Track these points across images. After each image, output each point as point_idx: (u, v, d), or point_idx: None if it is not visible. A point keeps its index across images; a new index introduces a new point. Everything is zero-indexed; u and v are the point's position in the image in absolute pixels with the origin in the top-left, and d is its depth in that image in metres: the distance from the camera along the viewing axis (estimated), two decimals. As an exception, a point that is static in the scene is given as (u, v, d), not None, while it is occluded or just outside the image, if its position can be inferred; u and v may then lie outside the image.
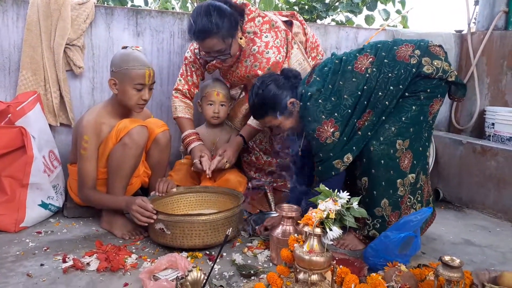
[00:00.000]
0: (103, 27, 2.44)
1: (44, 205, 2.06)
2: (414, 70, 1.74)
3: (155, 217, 1.77)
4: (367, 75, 1.77)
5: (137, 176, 2.08)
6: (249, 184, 2.30)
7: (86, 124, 1.92)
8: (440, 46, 1.83)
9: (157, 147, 2.10)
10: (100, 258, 1.65)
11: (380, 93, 1.76)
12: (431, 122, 1.84)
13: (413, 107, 1.76)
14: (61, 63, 2.30)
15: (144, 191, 2.24)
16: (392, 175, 1.78)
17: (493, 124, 2.85)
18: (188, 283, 1.27)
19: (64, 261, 1.66)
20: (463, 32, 3.30)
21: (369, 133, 1.79)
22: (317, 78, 1.83)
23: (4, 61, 2.29)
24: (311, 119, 1.78)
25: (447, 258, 1.36)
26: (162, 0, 3.68)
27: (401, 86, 1.75)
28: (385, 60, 1.77)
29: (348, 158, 1.79)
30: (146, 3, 4.11)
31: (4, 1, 2.24)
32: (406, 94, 1.76)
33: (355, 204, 1.44)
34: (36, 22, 2.26)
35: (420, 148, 1.82)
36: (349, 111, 1.77)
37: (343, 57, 1.84)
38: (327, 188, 1.48)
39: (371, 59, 1.79)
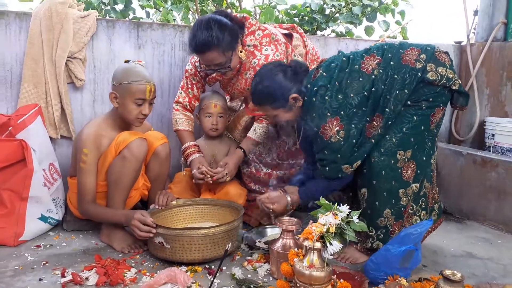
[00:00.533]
0: (105, 40, 2.46)
1: (43, 219, 2.05)
2: (419, 74, 1.72)
3: (154, 231, 1.76)
4: (373, 76, 1.75)
5: (136, 189, 2.07)
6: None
7: (86, 137, 1.93)
8: (446, 53, 1.81)
9: (157, 159, 2.10)
10: (99, 273, 1.65)
11: (388, 97, 1.74)
12: (434, 131, 1.82)
13: (414, 117, 1.75)
14: (62, 76, 2.31)
15: (144, 204, 2.23)
16: (394, 185, 1.77)
17: (493, 135, 2.84)
18: (187, 299, 1.26)
19: (63, 276, 1.65)
20: (462, 44, 3.32)
21: (372, 140, 1.77)
22: (324, 74, 1.80)
23: (6, 74, 2.30)
24: (315, 116, 1.75)
25: (448, 272, 1.36)
26: (164, 13, 3.70)
27: (406, 91, 1.72)
28: (391, 62, 1.75)
29: (358, 164, 1.77)
30: (148, 16, 4.15)
31: (7, 14, 2.27)
32: (409, 102, 1.75)
33: (355, 218, 1.44)
34: (38, 35, 2.28)
35: (424, 158, 1.81)
36: (355, 110, 1.74)
37: (350, 56, 1.83)
38: (327, 202, 1.48)
39: (377, 60, 1.77)
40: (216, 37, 1.97)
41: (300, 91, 1.81)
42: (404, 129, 1.75)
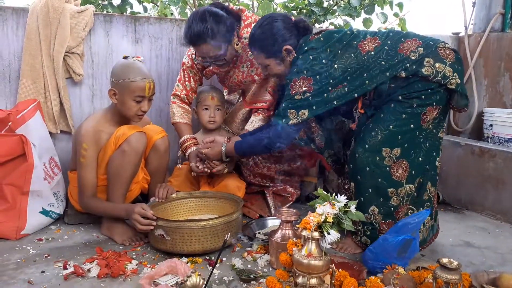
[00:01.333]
0: (102, 35, 2.46)
1: (45, 212, 2.07)
2: (408, 65, 1.70)
3: (154, 223, 1.78)
4: (365, 57, 1.76)
5: (136, 182, 2.09)
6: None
7: (85, 132, 1.94)
8: (453, 50, 1.77)
9: (156, 153, 2.11)
10: (100, 265, 1.66)
11: (365, 74, 1.75)
12: (434, 131, 1.78)
13: (403, 115, 1.73)
14: (60, 71, 2.32)
15: (144, 197, 2.25)
16: (381, 183, 1.75)
17: (491, 125, 2.86)
18: (187, 288, 1.28)
19: (65, 268, 1.67)
20: (460, 35, 3.32)
21: (335, 102, 1.77)
22: (321, 39, 1.83)
23: (4, 70, 2.31)
24: (295, 70, 1.79)
25: (445, 260, 1.37)
26: (161, 7, 3.70)
27: (387, 74, 1.72)
28: (386, 47, 1.75)
29: (304, 114, 1.77)
30: (145, 10, 4.13)
31: (3, 10, 2.27)
32: (399, 97, 1.73)
33: (352, 208, 1.45)
34: (35, 30, 2.29)
35: (420, 159, 1.77)
36: (331, 81, 1.76)
37: (355, 32, 1.84)
38: (324, 192, 1.49)
39: (377, 44, 1.77)
40: (211, 29, 1.98)
41: (295, 46, 1.84)
42: (391, 126, 1.73)
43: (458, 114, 3.27)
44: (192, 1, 3.92)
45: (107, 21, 2.47)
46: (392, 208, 1.77)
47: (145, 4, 4.11)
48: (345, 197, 1.46)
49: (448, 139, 2.80)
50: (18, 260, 1.75)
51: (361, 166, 1.76)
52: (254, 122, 2.26)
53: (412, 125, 1.74)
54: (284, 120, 1.79)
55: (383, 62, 1.74)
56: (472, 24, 3.31)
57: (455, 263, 1.36)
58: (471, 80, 3.13)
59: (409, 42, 1.76)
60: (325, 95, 1.76)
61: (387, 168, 1.75)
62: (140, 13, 4.11)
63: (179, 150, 2.29)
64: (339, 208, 1.41)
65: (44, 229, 2.08)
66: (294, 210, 1.80)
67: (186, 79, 2.31)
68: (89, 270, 1.66)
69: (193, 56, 2.23)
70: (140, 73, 1.92)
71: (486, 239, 2.14)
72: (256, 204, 2.38)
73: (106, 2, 3.76)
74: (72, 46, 2.33)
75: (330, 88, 1.76)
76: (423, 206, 1.83)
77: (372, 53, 1.75)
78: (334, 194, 1.48)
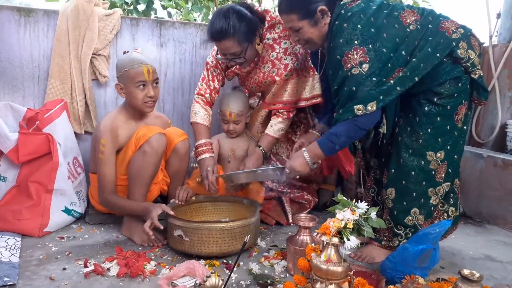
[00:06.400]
0: (128, 38, 2.52)
1: (67, 211, 2.11)
2: (453, 44, 1.68)
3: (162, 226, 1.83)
4: (408, 30, 1.70)
5: (156, 183, 2.12)
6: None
7: (103, 128, 1.98)
8: (479, 41, 1.77)
9: (177, 156, 2.14)
10: (120, 264, 1.69)
11: (418, 54, 1.68)
12: (465, 128, 1.80)
13: (438, 118, 1.73)
14: (87, 72, 2.38)
15: (164, 199, 2.28)
16: (424, 186, 1.77)
17: (515, 138, 2.80)
18: (206, 289, 1.29)
19: (86, 266, 1.70)
20: (484, 45, 3.27)
21: (398, 88, 1.65)
22: (362, 4, 1.70)
23: (33, 70, 2.38)
24: (343, 41, 1.64)
25: (466, 271, 1.35)
26: (185, 13, 3.76)
27: (438, 55, 1.67)
28: (430, 25, 1.71)
29: (372, 107, 1.62)
30: (169, 16, 4.21)
31: (35, 12, 2.34)
32: (435, 99, 1.71)
33: (373, 214, 1.44)
34: (65, 32, 2.35)
35: (455, 156, 1.80)
36: (384, 50, 1.64)
37: (392, 2, 1.78)
38: (345, 198, 1.49)
39: (416, 17, 1.72)
40: (232, 26, 1.99)
41: (329, 7, 1.73)
42: (429, 130, 1.74)
43: (480, 125, 3.22)
44: (215, 8, 3.97)
45: (134, 25, 2.52)
46: (432, 208, 1.80)
47: (169, 10, 4.19)
48: (366, 203, 1.45)
49: (470, 151, 2.76)
50: (41, 257, 1.79)
51: (405, 170, 1.76)
52: (274, 125, 2.26)
53: (448, 127, 1.75)
54: (351, 116, 1.65)
55: (430, 38, 1.68)
56: (496, 35, 3.26)
57: (477, 275, 1.34)
58: (495, 91, 3.08)
59: (448, 22, 1.73)
60: (386, 78, 1.64)
61: (433, 172, 1.76)
62: (164, 18, 4.19)
63: (193, 150, 2.29)
64: (359, 214, 1.40)
65: (66, 228, 2.13)
66: (312, 216, 1.79)
67: (210, 78, 2.30)
68: (108, 269, 1.68)
69: (218, 56, 2.25)
70: (136, 60, 1.97)
71: (508, 253, 2.09)
72: (273, 210, 2.38)
73: (132, 7, 3.84)
74: (99, 48, 2.39)
75: (387, 60, 1.64)
76: (449, 198, 1.84)
77: (416, 26, 1.69)
78: (354, 200, 1.47)
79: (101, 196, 2.01)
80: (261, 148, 2.24)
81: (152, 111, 2.08)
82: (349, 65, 1.63)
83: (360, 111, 1.62)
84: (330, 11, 1.74)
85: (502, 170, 2.50)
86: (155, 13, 4.15)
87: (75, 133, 2.38)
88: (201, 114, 2.23)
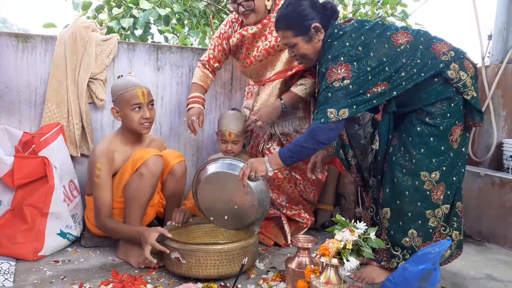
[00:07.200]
0: (125, 62, 2.55)
1: (62, 234, 2.09)
2: (441, 65, 1.71)
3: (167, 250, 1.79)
4: (399, 49, 1.74)
5: (152, 205, 2.10)
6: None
7: (99, 152, 1.98)
8: (474, 65, 1.80)
9: (173, 178, 2.13)
10: (116, 288, 1.66)
11: (403, 73, 1.72)
12: (463, 150, 1.80)
13: (431, 138, 1.74)
14: (84, 96, 2.39)
15: (160, 221, 2.25)
16: (420, 206, 1.75)
17: (511, 156, 2.81)
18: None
19: (81, 290, 1.67)
20: (477, 66, 3.32)
21: (374, 101, 1.71)
22: (355, 24, 1.79)
23: (30, 94, 2.39)
24: (330, 57, 1.73)
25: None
26: (181, 37, 3.82)
27: (422, 74, 1.71)
28: (420, 46, 1.75)
29: (344, 113, 1.68)
30: (166, 40, 4.27)
31: (33, 38, 2.37)
32: (427, 119, 1.72)
33: (372, 235, 1.43)
34: (62, 57, 2.38)
35: (454, 178, 1.80)
36: (368, 69, 1.70)
37: (386, 24, 1.84)
38: (343, 218, 1.48)
39: (409, 38, 1.77)
40: None
41: (323, 24, 1.81)
42: (422, 150, 1.74)
43: (476, 144, 3.24)
44: (211, 32, 4.04)
45: (131, 49, 2.56)
46: (430, 230, 1.78)
47: (166, 34, 4.26)
48: (365, 223, 1.44)
49: (467, 170, 2.76)
50: (35, 281, 1.76)
51: (399, 190, 1.76)
52: (298, 84, 2.25)
53: (443, 147, 1.74)
54: (323, 119, 1.70)
55: (418, 61, 1.73)
56: (488, 56, 3.32)
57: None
58: (489, 110, 3.11)
59: (440, 44, 1.77)
60: (364, 91, 1.70)
61: (428, 192, 1.75)
62: (160, 43, 4.26)
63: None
64: (358, 235, 1.39)
65: (61, 251, 2.09)
66: (311, 237, 1.78)
67: (212, 47, 2.43)
68: (104, 293, 1.65)
69: (227, 24, 2.37)
70: (130, 83, 2.00)
71: (510, 272, 2.07)
72: (271, 231, 2.37)
73: (129, 32, 3.90)
74: (96, 73, 2.42)
75: (369, 77, 1.70)
76: (452, 222, 1.83)
77: (406, 46, 1.74)
78: (353, 221, 1.47)
79: (98, 220, 1.99)
80: (282, 101, 2.24)
81: (149, 132, 2.09)
82: (332, 78, 1.70)
83: (333, 115, 1.68)
84: (324, 29, 1.82)
85: (500, 189, 2.50)
86: (152, 38, 4.22)
87: (72, 156, 2.37)
88: (198, 76, 2.41)
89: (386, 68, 1.72)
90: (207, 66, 2.43)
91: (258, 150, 2.45)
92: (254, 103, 2.40)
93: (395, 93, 1.73)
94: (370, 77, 1.71)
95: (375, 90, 1.72)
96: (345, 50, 1.70)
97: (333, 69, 1.70)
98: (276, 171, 1.93)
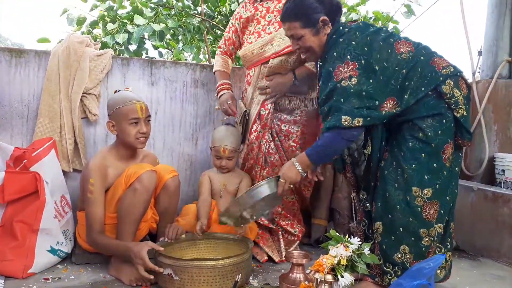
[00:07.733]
0: (119, 77, 2.55)
1: (53, 251, 2.05)
2: (440, 79, 1.73)
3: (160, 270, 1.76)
4: (399, 57, 1.76)
5: (145, 221, 2.08)
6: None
7: (92, 167, 1.97)
8: (468, 85, 1.82)
9: (167, 193, 2.12)
10: (107, 305, 1.63)
11: (406, 83, 1.74)
12: (456, 169, 1.82)
13: (423, 154, 1.74)
14: (77, 111, 2.38)
15: (152, 237, 2.23)
16: (412, 222, 1.74)
17: (503, 170, 2.83)
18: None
19: (71, 308, 1.64)
20: (468, 81, 3.37)
21: (386, 116, 1.73)
22: (361, 24, 1.82)
23: (23, 109, 2.38)
24: (336, 55, 1.73)
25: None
26: (176, 53, 3.84)
27: (423, 89, 1.73)
28: (421, 57, 1.77)
29: (358, 122, 1.67)
30: (160, 55, 4.29)
31: (27, 53, 2.37)
32: (420, 134, 1.73)
33: (366, 250, 1.43)
34: (56, 72, 2.38)
35: (448, 197, 1.79)
36: (376, 67, 1.71)
37: (389, 31, 1.86)
38: (337, 234, 1.47)
39: (410, 48, 1.79)
40: None
41: (330, 18, 1.82)
42: (414, 165, 1.74)
43: (469, 159, 3.26)
44: (205, 48, 4.07)
45: (125, 64, 2.56)
46: (423, 249, 1.76)
47: (160, 49, 4.28)
48: (359, 239, 1.44)
49: (460, 184, 2.76)
50: (24, 300, 1.72)
51: (391, 204, 1.75)
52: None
53: (435, 165, 1.74)
54: (338, 124, 1.68)
55: (419, 69, 1.75)
56: (479, 71, 3.37)
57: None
58: (481, 125, 3.14)
59: (440, 59, 1.79)
60: (377, 103, 1.71)
61: (418, 208, 1.74)
62: (155, 58, 4.28)
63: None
64: (353, 250, 1.39)
65: (51, 268, 2.05)
66: (305, 253, 1.77)
67: (227, 30, 2.51)
68: (95, 311, 1.62)
69: (241, 6, 2.45)
70: (129, 98, 2.01)
71: (504, 287, 2.06)
72: (265, 245, 2.34)
73: (123, 48, 3.92)
74: (90, 88, 2.41)
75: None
76: (446, 243, 1.83)
77: (408, 55, 1.76)
78: (347, 236, 1.46)
79: (89, 236, 1.97)
80: (294, 74, 2.26)
81: (144, 147, 2.09)
82: (339, 77, 1.70)
83: (347, 123, 1.67)
84: (331, 23, 1.84)
85: (493, 203, 2.51)
86: (147, 53, 4.24)
87: (64, 171, 2.35)
88: (219, 63, 2.51)
89: (392, 81, 1.74)
90: (224, 50, 2.53)
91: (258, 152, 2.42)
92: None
93: (400, 109, 1.74)
94: (375, 77, 1.71)
95: (388, 106, 1.73)
96: (351, 48, 1.71)
97: (340, 68, 1.71)
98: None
